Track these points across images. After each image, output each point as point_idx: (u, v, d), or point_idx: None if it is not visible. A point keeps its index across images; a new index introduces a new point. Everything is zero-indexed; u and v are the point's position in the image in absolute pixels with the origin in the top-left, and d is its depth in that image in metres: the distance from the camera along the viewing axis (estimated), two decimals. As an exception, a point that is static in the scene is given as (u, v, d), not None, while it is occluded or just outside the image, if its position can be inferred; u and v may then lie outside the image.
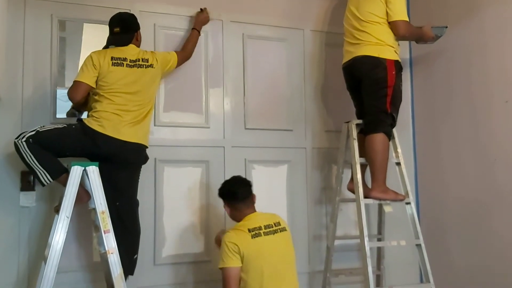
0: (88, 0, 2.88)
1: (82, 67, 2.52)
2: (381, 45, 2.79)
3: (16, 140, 2.33)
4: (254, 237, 2.42)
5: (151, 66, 2.64)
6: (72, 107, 2.74)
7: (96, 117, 2.46)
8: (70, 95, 2.51)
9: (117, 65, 2.53)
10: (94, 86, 2.51)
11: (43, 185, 2.38)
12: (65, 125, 2.46)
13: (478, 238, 3.01)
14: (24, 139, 2.31)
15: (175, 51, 2.87)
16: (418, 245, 2.78)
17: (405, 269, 3.38)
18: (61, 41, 2.86)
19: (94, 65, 2.49)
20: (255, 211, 2.56)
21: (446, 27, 3.00)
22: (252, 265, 2.39)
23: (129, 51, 2.61)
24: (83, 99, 2.55)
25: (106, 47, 2.63)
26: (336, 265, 3.12)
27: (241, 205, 2.53)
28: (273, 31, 3.32)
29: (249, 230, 2.43)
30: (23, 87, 2.73)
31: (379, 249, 3.25)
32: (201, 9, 3.07)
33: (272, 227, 2.51)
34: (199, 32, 3.01)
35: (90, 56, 2.52)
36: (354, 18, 2.89)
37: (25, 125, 2.68)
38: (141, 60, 2.62)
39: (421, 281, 2.94)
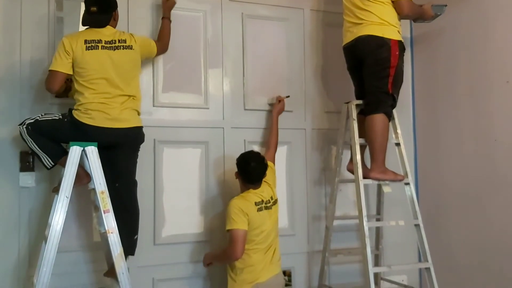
0: (85, -22, 2.84)
1: (55, 54, 2.42)
2: (385, 25, 2.75)
3: (19, 126, 2.39)
4: (259, 211, 2.62)
5: (129, 47, 2.52)
6: (55, 96, 2.69)
7: (83, 110, 2.39)
8: (47, 86, 2.44)
9: (91, 49, 2.42)
10: (70, 72, 2.42)
11: (47, 168, 2.43)
12: (60, 117, 2.43)
13: (477, 218, 3.02)
14: (24, 126, 2.36)
15: (154, 40, 2.79)
16: (417, 225, 2.79)
17: (403, 249, 3.40)
18: (58, 21, 2.82)
19: (67, 51, 2.39)
20: (260, 186, 2.71)
21: (446, 5, 2.98)
22: (252, 234, 2.58)
23: (105, 32, 2.50)
24: (62, 88, 2.49)
25: (83, 25, 2.53)
26: (335, 245, 3.14)
27: (251, 185, 2.69)
28: (273, 10, 3.28)
29: (256, 204, 2.61)
30: (20, 67, 2.70)
31: (378, 229, 3.26)
32: None
33: (270, 202, 2.71)
34: (169, 20, 2.89)
35: (62, 42, 2.41)
36: None
37: (23, 105, 2.68)
38: (117, 41, 2.49)
39: (420, 261, 2.97)
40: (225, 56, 3.15)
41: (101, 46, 2.46)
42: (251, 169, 2.66)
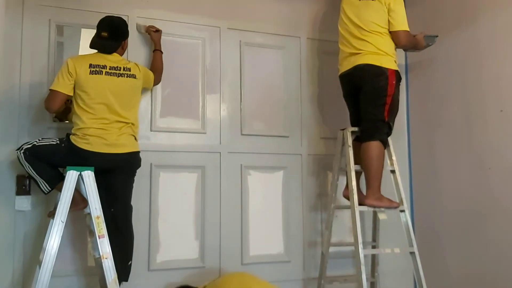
0: (86, 5, 2.90)
1: (57, 74, 2.44)
2: (382, 54, 2.80)
3: (16, 151, 2.40)
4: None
5: (133, 76, 2.57)
6: (55, 116, 2.73)
7: (81, 135, 2.41)
8: (46, 105, 2.46)
9: (95, 73, 2.45)
10: (71, 94, 2.44)
11: (44, 193, 2.44)
12: (57, 142, 2.44)
13: (473, 246, 3.02)
14: (22, 151, 2.38)
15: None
16: (412, 253, 2.78)
17: (399, 276, 3.39)
18: (59, 45, 2.87)
19: (70, 72, 2.41)
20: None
21: (437, 36, 3.04)
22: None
23: (111, 58, 2.54)
24: (61, 108, 2.51)
25: (91, 48, 2.56)
26: (331, 272, 3.12)
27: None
28: (270, 38, 3.35)
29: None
30: (20, 91, 2.73)
31: (374, 256, 3.25)
32: (146, 30, 2.96)
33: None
34: (161, 52, 2.93)
35: (66, 63, 2.44)
36: (354, 25, 2.88)
37: (21, 129, 2.70)
38: (122, 68, 2.54)
39: (415, 289, 2.97)
40: (223, 82, 3.19)
41: (105, 72, 2.48)
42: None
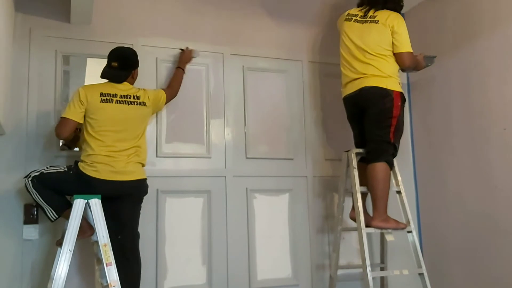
0: (91, 35, 2.96)
1: (69, 102, 2.50)
2: (387, 77, 2.82)
3: (24, 179, 2.42)
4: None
5: (143, 104, 2.63)
6: (63, 144, 2.77)
7: (89, 163, 2.44)
8: (57, 132, 2.51)
9: (106, 102, 2.51)
10: (81, 122, 2.49)
11: (51, 220, 2.45)
12: (66, 169, 2.48)
13: (481, 266, 2.99)
14: (30, 178, 2.39)
15: (163, 89, 2.89)
16: (421, 274, 2.77)
17: (409, 298, 3.34)
18: (65, 75, 2.92)
19: (81, 100, 2.47)
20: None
21: (435, 56, 3.08)
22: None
23: (121, 87, 2.60)
24: (71, 135, 2.55)
25: (102, 77, 2.62)
26: (339, 294, 3.10)
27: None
28: (272, 63, 3.39)
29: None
30: (27, 120, 2.77)
31: (383, 278, 3.22)
32: (181, 49, 3.09)
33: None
34: (183, 70, 3.04)
35: (78, 91, 2.50)
36: (357, 48, 2.89)
37: (28, 159, 2.72)
38: (132, 97, 2.59)
39: (426, 310, 2.93)
40: (227, 106, 3.23)
41: (116, 100, 2.54)
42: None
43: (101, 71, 2.63)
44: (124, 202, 2.56)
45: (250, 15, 3.39)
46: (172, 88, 2.95)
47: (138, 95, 2.63)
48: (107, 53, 2.69)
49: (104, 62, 2.70)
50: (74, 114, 2.47)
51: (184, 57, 3.06)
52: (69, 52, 2.93)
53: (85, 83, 2.91)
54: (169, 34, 3.15)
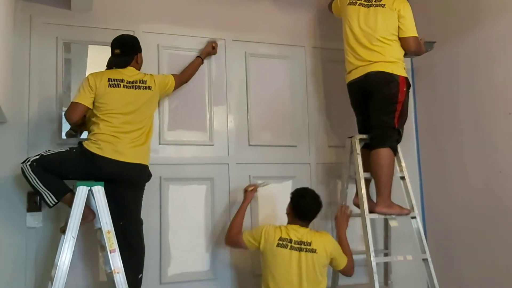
0: (93, 22, 2.94)
1: (79, 88, 2.55)
2: (393, 62, 2.80)
3: (22, 164, 2.41)
4: (278, 246, 2.61)
5: (149, 88, 2.67)
6: (70, 128, 2.77)
7: (94, 140, 2.48)
8: (67, 116, 2.54)
9: (114, 86, 2.56)
10: (91, 107, 2.54)
11: (49, 206, 2.42)
12: (67, 149, 2.51)
13: (486, 251, 2.99)
14: (29, 163, 2.39)
15: (173, 74, 2.89)
16: (425, 260, 2.76)
17: (413, 284, 3.34)
18: (66, 62, 2.90)
19: (91, 86, 2.52)
20: (306, 226, 2.73)
21: (435, 42, 3.06)
22: (268, 265, 2.63)
23: (127, 73, 2.63)
24: (80, 120, 2.58)
25: (108, 67, 2.67)
26: (343, 281, 3.09)
27: (299, 221, 2.71)
28: (275, 48, 3.36)
29: (279, 239, 2.63)
30: (29, 109, 2.77)
31: (386, 264, 3.22)
32: (213, 46, 3.13)
33: (303, 244, 2.63)
34: (202, 61, 3.07)
35: (87, 78, 2.55)
36: (364, 34, 2.85)
37: (31, 146, 2.72)
38: (138, 81, 2.64)
39: (430, 296, 2.93)
40: (229, 93, 3.21)
41: (123, 85, 2.59)
42: (307, 205, 2.71)
43: (102, 58, 2.66)
44: (125, 187, 2.56)
45: (252, 1, 3.36)
46: (183, 74, 2.97)
47: (144, 79, 2.67)
48: (108, 40, 2.71)
49: (105, 49, 2.74)
50: (84, 99, 2.51)
51: (208, 50, 3.11)
52: (70, 39, 2.91)
53: (87, 71, 2.90)
54: (171, 20, 3.13)
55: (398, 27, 2.83)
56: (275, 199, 3.21)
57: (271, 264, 2.62)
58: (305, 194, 2.75)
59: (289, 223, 2.75)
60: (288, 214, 2.78)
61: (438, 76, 3.40)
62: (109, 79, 2.56)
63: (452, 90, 3.28)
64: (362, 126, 3.02)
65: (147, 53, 2.96)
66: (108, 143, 2.48)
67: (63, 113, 2.60)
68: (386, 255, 3.19)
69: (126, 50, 2.67)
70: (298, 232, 2.66)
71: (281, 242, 2.62)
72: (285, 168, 3.26)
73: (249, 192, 2.96)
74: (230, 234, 2.80)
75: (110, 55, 2.69)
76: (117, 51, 2.65)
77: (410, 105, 3.50)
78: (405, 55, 2.95)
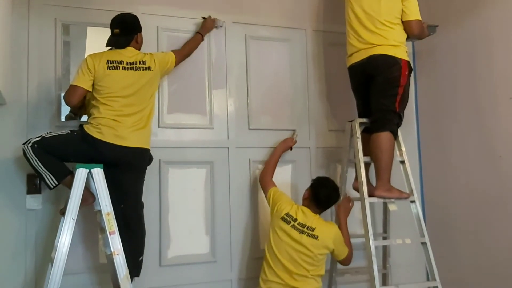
0: (92, 3, 2.91)
1: (77, 70, 2.52)
2: (395, 45, 2.77)
3: (23, 145, 2.40)
4: (282, 220, 2.72)
5: (149, 68, 2.63)
6: (70, 111, 2.76)
7: (95, 124, 2.46)
8: (66, 99, 2.53)
9: (113, 69, 2.53)
10: (90, 89, 2.51)
11: (50, 188, 2.42)
12: (69, 132, 2.49)
13: (485, 235, 3.00)
14: (30, 144, 2.37)
15: (173, 51, 2.86)
16: (424, 243, 2.77)
17: (411, 267, 3.37)
18: (65, 45, 2.87)
19: (89, 68, 2.49)
20: (318, 214, 2.79)
21: (437, 25, 3.03)
22: (271, 231, 2.75)
23: (127, 54, 2.60)
24: (80, 103, 2.57)
25: (107, 46, 2.63)
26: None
27: (315, 208, 2.78)
28: (275, 31, 3.33)
29: (286, 214, 2.73)
30: (28, 91, 2.75)
31: (385, 248, 3.24)
32: (204, 17, 3.07)
33: (305, 227, 2.69)
34: (202, 37, 3.03)
35: (85, 60, 2.52)
36: (367, 17, 2.82)
37: (30, 128, 2.71)
38: (138, 62, 2.60)
39: (428, 279, 2.94)
40: (229, 77, 3.19)
41: (122, 67, 2.55)
42: (327, 194, 2.78)
43: (101, 40, 2.61)
44: (125, 171, 2.55)
45: (252, -18, 3.32)
46: (183, 50, 2.93)
47: (144, 60, 2.63)
48: (107, 22, 2.67)
49: (104, 31, 2.70)
50: (83, 82, 2.49)
51: (205, 25, 3.06)
52: (68, 21, 2.88)
53: (86, 53, 2.86)
54: (170, 2, 3.09)
55: (402, 10, 2.80)
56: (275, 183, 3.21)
57: (273, 230, 2.73)
58: (327, 184, 2.82)
59: (303, 205, 2.81)
60: (305, 199, 2.83)
61: (439, 60, 3.38)
62: (108, 61, 2.53)
63: (452, 75, 3.26)
64: (362, 110, 3.01)
65: (147, 35, 2.92)
66: (109, 127, 2.46)
67: (62, 96, 2.58)
68: (384, 238, 3.21)
69: (125, 30, 2.63)
70: (305, 216, 2.71)
71: (286, 218, 2.71)
72: (285, 152, 3.25)
73: (291, 141, 3.15)
74: (264, 179, 2.97)
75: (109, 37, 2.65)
76: (117, 30, 2.60)
77: (411, 89, 3.47)
78: (408, 38, 2.92)
